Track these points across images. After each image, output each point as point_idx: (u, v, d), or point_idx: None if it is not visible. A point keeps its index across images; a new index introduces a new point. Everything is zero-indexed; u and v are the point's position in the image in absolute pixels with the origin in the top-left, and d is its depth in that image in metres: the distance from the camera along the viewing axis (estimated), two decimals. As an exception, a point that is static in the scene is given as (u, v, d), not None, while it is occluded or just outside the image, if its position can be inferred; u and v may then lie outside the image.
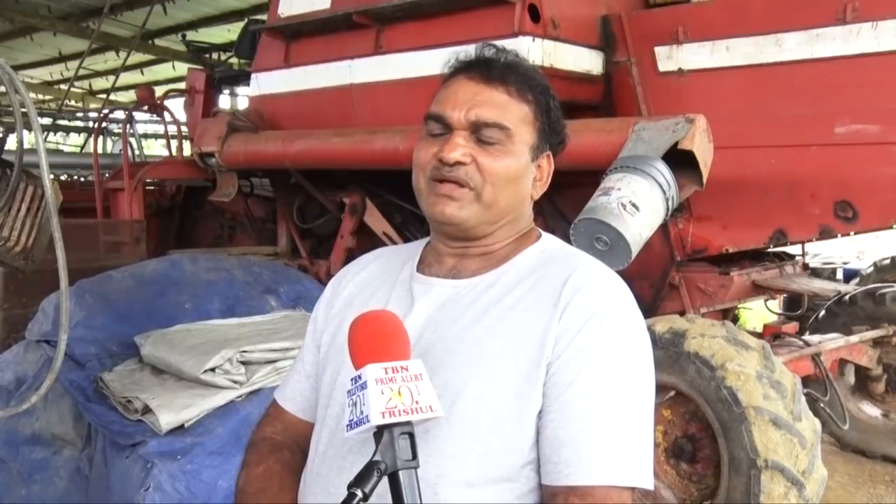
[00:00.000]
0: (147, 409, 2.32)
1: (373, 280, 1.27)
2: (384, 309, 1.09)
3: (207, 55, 7.69)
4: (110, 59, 12.48)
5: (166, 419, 2.25)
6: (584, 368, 1.04)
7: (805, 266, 4.47)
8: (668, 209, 3.09)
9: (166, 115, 7.03)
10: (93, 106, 15.05)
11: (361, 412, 0.91)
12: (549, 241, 1.23)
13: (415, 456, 0.91)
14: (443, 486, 1.02)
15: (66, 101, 13.18)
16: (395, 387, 0.92)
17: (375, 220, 4.80)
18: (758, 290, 4.08)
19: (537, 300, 1.10)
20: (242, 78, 6.33)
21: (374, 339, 0.97)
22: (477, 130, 1.13)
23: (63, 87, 13.70)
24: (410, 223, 4.84)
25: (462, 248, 1.19)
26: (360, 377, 0.93)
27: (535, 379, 1.04)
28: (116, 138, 11.76)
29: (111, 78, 11.92)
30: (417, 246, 1.28)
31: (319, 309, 1.31)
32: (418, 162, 1.16)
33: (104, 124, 9.75)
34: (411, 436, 0.92)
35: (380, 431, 0.91)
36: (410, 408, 0.91)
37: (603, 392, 1.04)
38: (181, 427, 2.28)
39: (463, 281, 1.17)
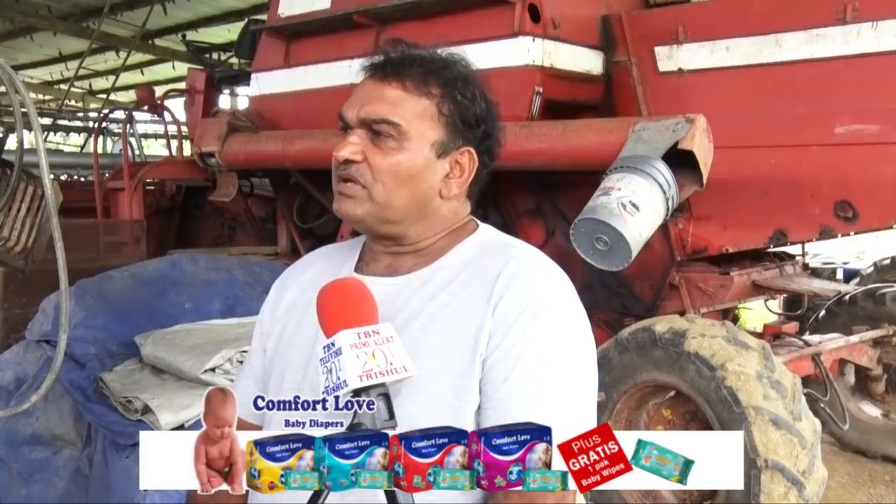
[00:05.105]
0: (147, 409, 2.32)
1: (315, 280, 1.22)
2: (350, 276, 1.09)
3: (207, 55, 7.70)
4: (110, 59, 12.47)
5: (166, 419, 2.25)
6: (518, 363, 1.03)
7: (805, 266, 4.46)
8: (668, 209, 3.09)
9: (166, 115, 7.02)
10: (93, 106, 15.03)
11: (338, 378, 0.94)
12: (485, 233, 1.20)
13: (392, 416, 0.94)
14: None
15: (66, 101, 13.18)
16: (368, 350, 0.95)
17: (375, 220, 4.80)
18: (758, 290, 4.07)
19: (471, 296, 1.09)
20: (242, 78, 6.33)
21: (344, 306, 1.00)
22: (370, 129, 1.12)
23: (63, 87, 13.69)
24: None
25: (390, 245, 1.18)
26: (333, 344, 0.96)
27: (471, 376, 1.05)
28: (116, 138, 11.75)
29: (111, 78, 11.93)
30: (357, 242, 1.26)
31: (265, 312, 1.30)
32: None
33: (104, 124, 9.75)
34: (387, 396, 0.94)
35: (356, 395, 0.94)
36: (385, 369, 0.94)
37: (538, 386, 1.03)
38: (181, 427, 2.28)
39: (399, 278, 1.15)
